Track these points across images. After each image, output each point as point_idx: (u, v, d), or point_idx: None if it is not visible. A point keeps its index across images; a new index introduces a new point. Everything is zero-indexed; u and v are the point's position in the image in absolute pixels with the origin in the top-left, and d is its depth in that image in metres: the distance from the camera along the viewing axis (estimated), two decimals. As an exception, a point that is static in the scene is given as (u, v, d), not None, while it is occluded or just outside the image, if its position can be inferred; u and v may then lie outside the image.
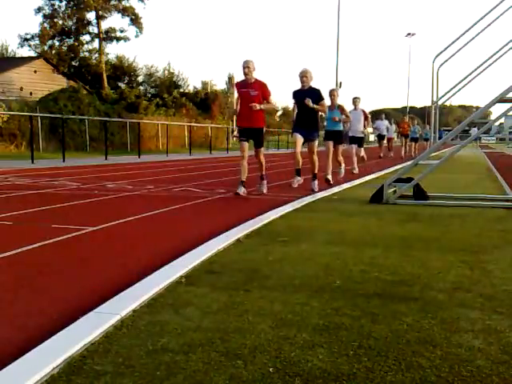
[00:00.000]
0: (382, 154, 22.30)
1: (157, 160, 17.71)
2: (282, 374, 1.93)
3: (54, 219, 5.29)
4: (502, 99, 6.66)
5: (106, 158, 16.93)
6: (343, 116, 10.10)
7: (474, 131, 35.30)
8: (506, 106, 7.17)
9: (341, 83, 43.39)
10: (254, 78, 7.58)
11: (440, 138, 12.76)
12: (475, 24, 7.97)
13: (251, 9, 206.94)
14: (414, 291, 2.97)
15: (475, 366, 2.02)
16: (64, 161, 15.10)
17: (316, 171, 8.40)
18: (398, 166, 14.91)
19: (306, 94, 8.00)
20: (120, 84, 39.64)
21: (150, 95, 39.43)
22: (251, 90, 7.53)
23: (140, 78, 42.72)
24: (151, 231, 4.84)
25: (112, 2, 35.97)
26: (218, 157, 21.36)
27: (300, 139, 8.28)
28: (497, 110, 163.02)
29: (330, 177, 9.48)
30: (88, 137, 23.09)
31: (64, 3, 35.33)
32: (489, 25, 8.04)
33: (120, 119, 24.57)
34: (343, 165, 10.78)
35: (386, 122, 22.60)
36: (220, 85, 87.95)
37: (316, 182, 8.40)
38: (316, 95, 8.09)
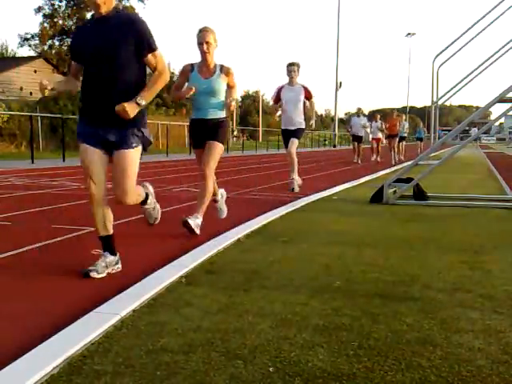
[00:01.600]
0: (356, 160, 17.87)
1: (157, 160, 17.70)
2: (282, 373, 1.93)
3: (54, 219, 5.29)
4: (502, 99, 6.67)
5: (105, 158, 16.91)
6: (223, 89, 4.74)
7: (474, 131, 35.25)
8: (506, 106, 7.18)
9: (341, 83, 43.43)
10: None
11: (439, 138, 12.73)
12: (475, 24, 7.97)
13: (251, 8, 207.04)
14: (414, 291, 2.97)
15: (475, 365, 2.02)
16: (64, 161, 15.10)
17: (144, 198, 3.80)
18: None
19: (105, 28, 3.13)
20: (120, 84, 39.59)
21: (149, 95, 39.36)
22: None
23: (140, 78, 42.69)
24: (151, 231, 4.83)
25: (112, 2, 35.93)
26: (217, 157, 21.34)
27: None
28: (497, 110, 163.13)
29: (193, 224, 4.56)
30: (88, 137, 23.02)
31: (64, 3, 35.29)
32: (489, 25, 8.04)
33: (120, 119, 24.51)
34: (220, 196, 5.19)
35: (363, 120, 17.76)
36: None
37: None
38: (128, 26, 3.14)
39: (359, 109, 19.07)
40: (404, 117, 20.67)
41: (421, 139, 26.31)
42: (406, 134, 20.72)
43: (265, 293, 2.89)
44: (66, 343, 2.13)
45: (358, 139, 17.97)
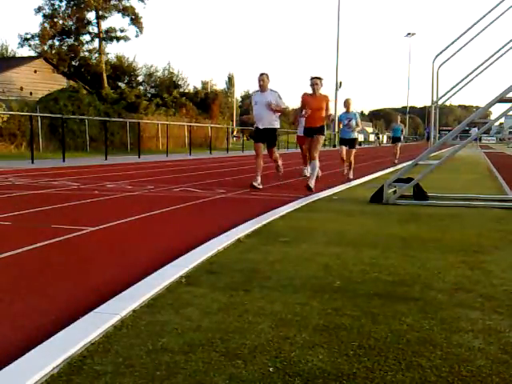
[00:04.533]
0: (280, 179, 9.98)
1: (157, 160, 17.70)
2: (282, 373, 1.93)
3: (54, 219, 5.29)
4: (502, 99, 6.67)
5: (105, 158, 16.92)
6: None
7: (474, 131, 35.18)
8: (506, 105, 7.18)
9: (341, 83, 43.40)
10: None
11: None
12: (475, 24, 7.97)
13: (251, 8, 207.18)
14: (414, 291, 2.97)
15: (475, 366, 2.02)
16: (64, 161, 15.09)
17: None
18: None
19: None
20: (120, 84, 39.63)
21: (150, 95, 39.41)
22: None
23: (140, 78, 42.73)
24: (151, 231, 4.84)
25: (112, 2, 35.94)
26: (217, 157, 21.36)
27: None
28: (497, 110, 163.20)
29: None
30: (88, 137, 23.08)
31: (64, 3, 35.32)
32: (489, 25, 8.04)
33: (120, 119, 24.55)
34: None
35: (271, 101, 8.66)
36: (220, 85, 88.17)
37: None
38: None
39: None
40: (351, 102, 11.39)
41: (398, 139, 18.73)
42: (355, 136, 11.58)
43: (265, 293, 2.89)
44: (66, 343, 2.13)
45: (266, 138, 8.97)
